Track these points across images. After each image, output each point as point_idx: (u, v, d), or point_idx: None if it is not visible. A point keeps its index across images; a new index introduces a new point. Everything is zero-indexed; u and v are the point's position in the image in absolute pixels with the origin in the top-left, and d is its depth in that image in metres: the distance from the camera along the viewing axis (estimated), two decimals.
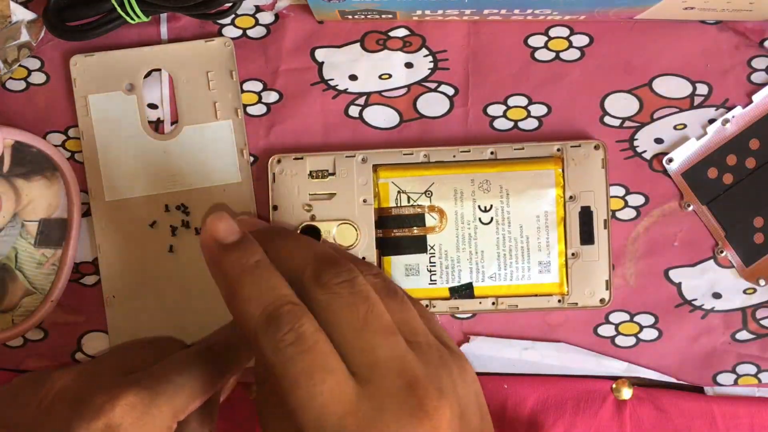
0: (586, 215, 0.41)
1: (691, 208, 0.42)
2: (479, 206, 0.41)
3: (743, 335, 0.43)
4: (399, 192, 0.41)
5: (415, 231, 0.41)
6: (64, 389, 0.35)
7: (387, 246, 0.42)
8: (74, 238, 0.43)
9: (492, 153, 0.42)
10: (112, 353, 0.39)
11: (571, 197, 0.41)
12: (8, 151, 0.42)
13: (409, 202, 0.42)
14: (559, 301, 0.42)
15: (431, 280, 0.42)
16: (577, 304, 0.42)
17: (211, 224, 0.33)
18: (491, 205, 0.41)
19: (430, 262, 0.41)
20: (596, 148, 0.41)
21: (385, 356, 0.30)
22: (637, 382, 0.43)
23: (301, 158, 0.42)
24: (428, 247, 0.41)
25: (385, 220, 0.42)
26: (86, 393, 0.34)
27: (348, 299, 0.31)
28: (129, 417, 0.32)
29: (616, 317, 0.43)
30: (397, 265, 0.42)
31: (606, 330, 0.43)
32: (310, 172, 0.42)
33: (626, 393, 0.43)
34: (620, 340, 0.43)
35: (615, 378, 0.43)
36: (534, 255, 0.41)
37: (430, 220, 0.41)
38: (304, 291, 0.32)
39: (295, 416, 0.30)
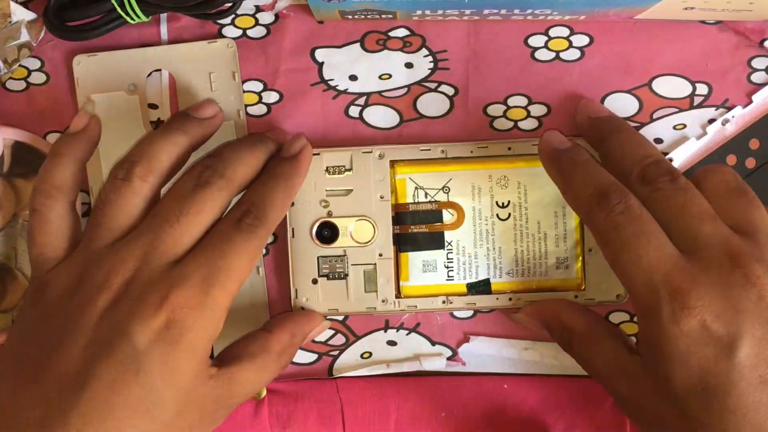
0: None
1: None
2: (497, 202, 0.41)
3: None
4: (416, 188, 0.42)
5: (433, 227, 0.42)
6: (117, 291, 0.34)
7: (404, 242, 0.42)
8: None
9: (509, 149, 0.42)
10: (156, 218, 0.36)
11: None
12: (8, 151, 0.42)
13: (426, 198, 0.42)
14: (576, 297, 0.42)
15: (448, 276, 0.42)
16: (593, 299, 0.42)
17: (547, 136, 0.39)
18: (509, 201, 0.41)
19: (448, 258, 0.42)
20: None
21: (706, 234, 0.34)
22: None
23: (318, 154, 0.41)
24: (446, 243, 0.41)
25: (402, 216, 0.42)
26: (139, 289, 0.33)
27: (669, 192, 0.35)
28: (190, 315, 0.33)
29: (616, 317, 0.43)
30: (415, 261, 0.42)
31: None
32: (327, 167, 0.42)
33: None
34: None
35: None
36: (551, 251, 0.41)
37: (448, 216, 0.42)
38: (629, 188, 0.35)
39: (624, 277, 0.34)
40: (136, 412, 0.32)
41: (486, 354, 0.43)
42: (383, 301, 0.42)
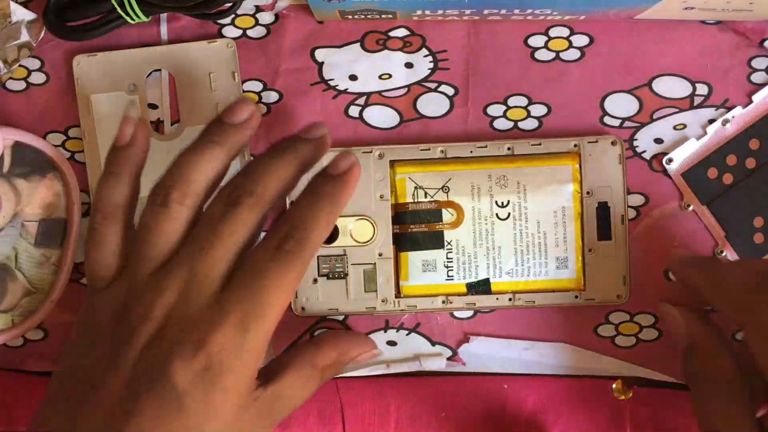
0: (603, 211, 0.41)
1: (691, 208, 0.42)
2: (496, 202, 0.41)
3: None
4: (416, 187, 0.42)
5: (432, 226, 0.42)
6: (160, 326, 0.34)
7: (404, 241, 0.42)
8: (74, 238, 0.43)
9: (509, 149, 0.42)
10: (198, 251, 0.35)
11: (588, 193, 0.41)
12: (8, 151, 0.42)
13: (426, 197, 0.42)
14: (576, 297, 0.42)
15: (448, 276, 0.42)
16: (594, 299, 0.42)
17: (674, 253, 0.41)
18: (508, 201, 0.41)
19: (447, 258, 0.42)
20: (613, 143, 0.41)
21: None
22: (637, 382, 0.43)
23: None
24: (445, 243, 0.42)
25: (401, 215, 0.42)
26: (179, 325, 0.33)
27: None
28: (228, 356, 0.33)
29: (616, 317, 0.43)
30: (414, 261, 0.42)
31: (606, 330, 0.43)
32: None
33: (626, 393, 0.43)
34: (620, 340, 0.43)
35: (615, 378, 0.43)
36: (551, 251, 0.41)
37: (447, 216, 0.42)
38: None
39: None
40: None
41: (486, 354, 0.43)
42: (383, 301, 0.42)
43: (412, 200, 0.42)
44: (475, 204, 0.41)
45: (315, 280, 0.42)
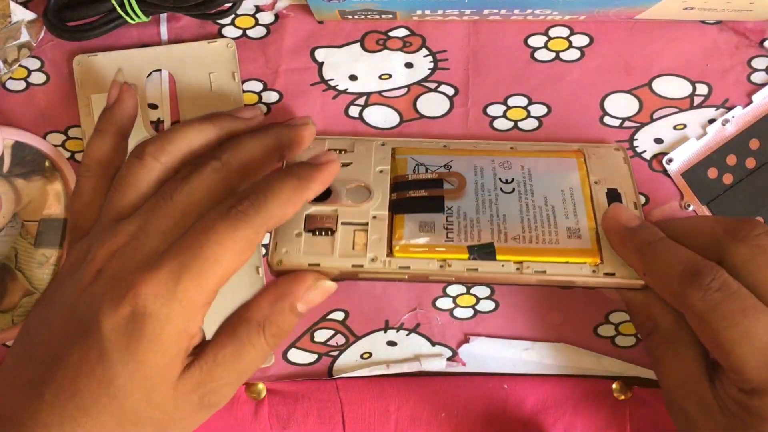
0: (614, 197, 0.39)
1: (691, 208, 0.42)
2: (500, 178, 0.39)
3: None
4: (417, 165, 0.40)
5: (433, 192, 0.39)
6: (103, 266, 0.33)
7: (401, 206, 0.38)
8: None
9: (512, 148, 0.41)
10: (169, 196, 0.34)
11: (596, 182, 0.39)
12: (8, 151, 0.42)
13: (427, 171, 0.40)
14: (594, 270, 0.36)
15: (448, 237, 0.37)
16: (614, 274, 0.36)
17: (614, 211, 0.37)
18: (513, 179, 0.39)
19: (447, 221, 0.38)
20: (616, 150, 0.41)
21: None
22: (637, 382, 0.43)
23: (323, 140, 0.41)
24: (445, 209, 0.38)
25: (400, 184, 0.39)
26: (117, 269, 0.32)
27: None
28: (155, 303, 0.31)
29: (616, 317, 0.43)
30: (411, 221, 0.38)
31: (606, 330, 0.43)
32: (329, 149, 0.41)
33: (626, 393, 0.43)
34: (620, 340, 0.43)
35: (615, 378, 0.43)
36: (561, 221, 0.38)
37: (449, 186, 0.39)
38: (718, 251, 0.34)
39: (730, 356, 0.32)
40: (99, 395, 0.31)
41: (486, 354, 0.43)
42: (373, 260, 0.36)
43: (412, 172, 0.40)
44: (478, 179, 0.39)
45: (299, 234, 0.37)
